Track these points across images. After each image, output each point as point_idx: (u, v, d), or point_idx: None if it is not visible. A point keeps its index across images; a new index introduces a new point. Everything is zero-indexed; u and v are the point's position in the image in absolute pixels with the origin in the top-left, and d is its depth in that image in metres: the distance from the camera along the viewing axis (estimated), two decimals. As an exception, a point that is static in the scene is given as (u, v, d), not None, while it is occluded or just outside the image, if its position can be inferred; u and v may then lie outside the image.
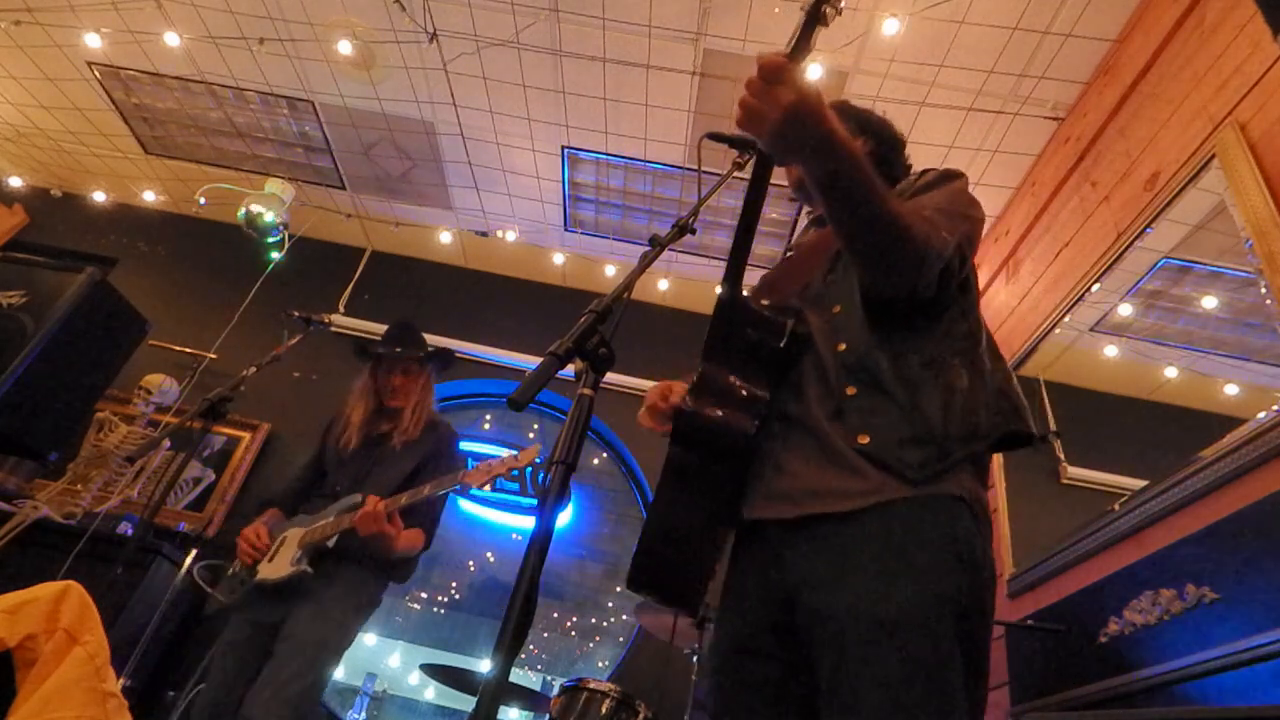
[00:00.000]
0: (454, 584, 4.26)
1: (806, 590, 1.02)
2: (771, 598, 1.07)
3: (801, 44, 0.98)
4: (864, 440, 1.03)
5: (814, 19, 0.98)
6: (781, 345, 1.14)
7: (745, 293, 1.24)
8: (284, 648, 2.12)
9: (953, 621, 0.94)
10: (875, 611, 0.94)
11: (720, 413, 1.11)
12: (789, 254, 1.47)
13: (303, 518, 2.37)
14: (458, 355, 4.41)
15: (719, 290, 1.16)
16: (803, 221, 3.40)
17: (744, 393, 1.12)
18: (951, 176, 1.26)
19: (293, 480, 2.57)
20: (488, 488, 2.39)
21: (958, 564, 0.98)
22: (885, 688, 0.90)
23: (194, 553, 3.25)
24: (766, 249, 4.17)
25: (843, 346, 1.12)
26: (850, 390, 1.08)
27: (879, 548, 0.98)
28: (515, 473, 4.24)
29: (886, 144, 1.43)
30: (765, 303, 1.21)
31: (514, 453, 2.28)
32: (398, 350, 2.55)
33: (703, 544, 1.12)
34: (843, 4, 0.98)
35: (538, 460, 2.32)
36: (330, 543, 2.23)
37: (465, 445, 4.57)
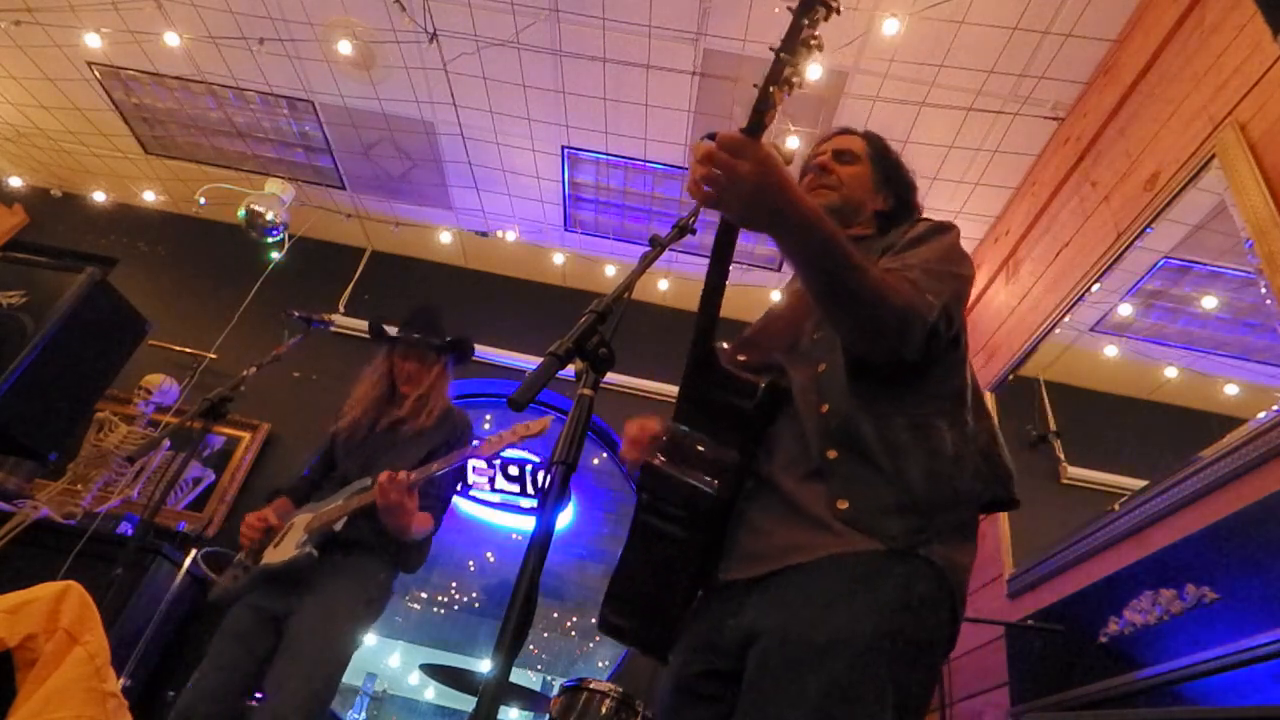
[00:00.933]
0: (454, 584, 4.26)
1: (758, 627, 1.01)
2: (724, 644, 1.06)
3: (758, 115, 0.96)
4: (843, 506, 1.02)
5: (764, 101, 0.96)
6: (752, 408, 1.13)
7: (726, 346, 1.24)
8: (289, 653, 2.05)
9: (887, 654, 0.92)
10: (806, 635, 0.94)
11: (683, 473, 1.10)
12: (772, 310, 1.43)
13: (311, 505, 2.32)
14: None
15: (689, 355, 1.15)
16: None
17: (710, 455, 1.12)
18: (942, 230, 1.24)
19: (303, 471, 2.54)
20: (470, 476, 2.34)
21: (904, 609, 0.96)
22: (801, 709, 0.89)
23: (194, 553, 3.25)
24: (767, 249, 4.17)
25: (826, 408, 1.10)
26: (831, 454, 1.06)
27: (831, 581, 0.98)
28: (527, 465, 4.24)
29: (901, 203, 1.41)
30: (742, 358, 1.20)
31: (529, 422, 2.18)
32: (415, 336, 2.50)
33: (671, 597, 1.13)
34: (797, 83, 0.97)
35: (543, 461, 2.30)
36: (338, 526, 2.16)
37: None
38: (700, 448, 1.13)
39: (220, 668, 2.06)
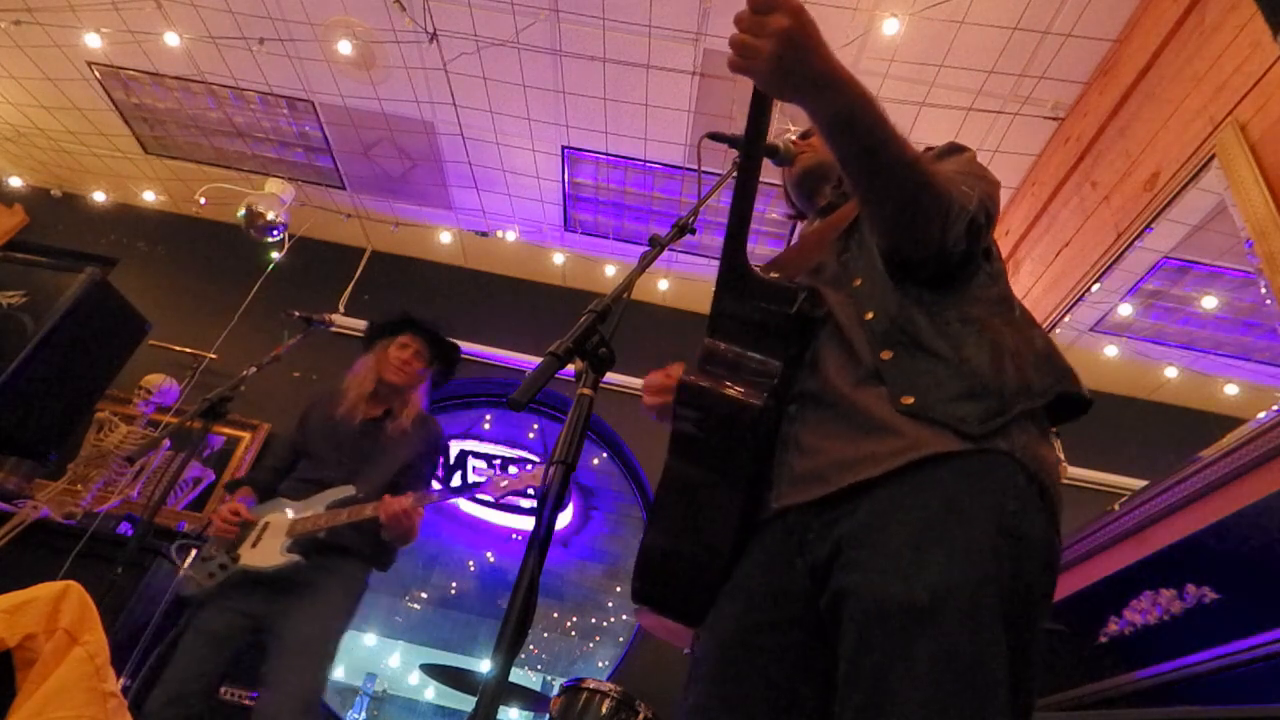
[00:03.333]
0: (454, 584, 4.26)
1: (832, 572, 0.88)
2: (793, 589, 0.93)
3: None
4: (908, 401, 0.91)
5: None
6: (793, 312, 1.03)
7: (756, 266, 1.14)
8: (285, 650, 2.10)
9: (997, 606, 0.80)
10: (906, 596, 0.80)
11: (728, 383, 1.00)
12: (789, 249, 1.45)
13: (283, 502, 2.33)
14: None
15: (720, 263, 1.06)
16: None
17: (754, 363, 1.01)
18: (959, 149, 1.20)
19: (268, 463, 2.54)
20: (471, 477, 2.41)
21: (1003, 539, 0.83)
22: (914, 685, 0.76)
23: (194, 553, 3.25)
24: (766, 249, 4.17)
25: (870, 315, 1.00)
26: (886, 354, 0.96)
27: (912, 518, 0.85)
28: (527, 465, 4.24)
29: None
30: (774, 275, 1.11)
31: (541, 469, 2.26)
32: (423, 331, 2.58)
33: (712, 547, 0.99)
34: None
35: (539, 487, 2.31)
36: (322, 533, 2.21)
37: (465, 445, 4.57)
38: (741, 358, 1.02)
39: (192, 669, 2.09)
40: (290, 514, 2.28)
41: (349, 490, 2.28)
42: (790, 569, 0.94)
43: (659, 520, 1.03)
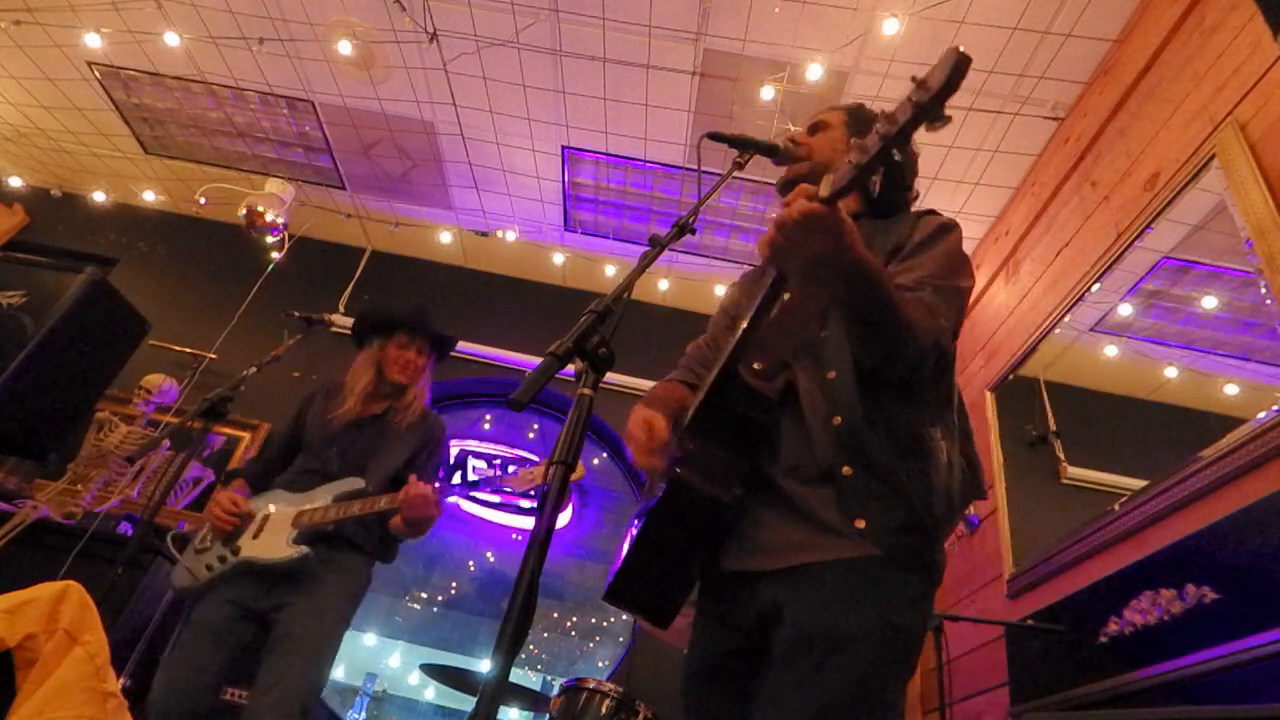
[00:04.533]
0: (454, 584, 4.26)
1: (776, 615, 1.11)
2: (745, 623, 1.18)
3: (848, 188, 0.94)
4: (861, 525, 1.09)
5: (868, 170, 0.91)
6: (765, 417, 1.20)
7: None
8: (287, 647, 2.07)
9: (899, 645, 1.05)
10: (830, 627, 1.04)
11: (706, 485, 1.18)
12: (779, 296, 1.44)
13: (282, 494, 2.30)
14: (459, 356, 4.43)
15: (719, 370, 1.17)
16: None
17: (727, 464, 1.19)
18: (947, 230, 1.28)
19: (264, 454, 2.52)
20: (471, 476, 2.38)
21: (907, 605, 1.08)
22: (830, 693, 1.00)
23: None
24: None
25: (838, 420, 1.15)
26: (846, 470, 1.12)
27: (844, 584, 1.07)
28: (527, 465, 4.24)
29: (901, 181, 1.44)
30: (757, 366, 1.22)
31: (529, 468, 2.21)
32: (423, 327, 2.57)
33: (677, 578, 1.22)
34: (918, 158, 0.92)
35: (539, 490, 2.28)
36: (330, 526, 2.18)
37: (465, 445, 4.57)
38: (718, 458, 1.19)
39: (193, 663, 2.05)
40: (293, 506, 2.24)
41: (358, 483, 2.25)
42: (741, 613, 1.19)
43: (643, 544, 1.20)
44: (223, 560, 2.19)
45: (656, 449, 1.22)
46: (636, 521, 1.25)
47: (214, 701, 2.10)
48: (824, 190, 0.95)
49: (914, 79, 0.83)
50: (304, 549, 2.14)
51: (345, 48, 3.44)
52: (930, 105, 0.81)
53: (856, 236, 1.00)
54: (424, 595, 4.22)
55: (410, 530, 2.26)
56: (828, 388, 1.18)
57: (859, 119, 1.46)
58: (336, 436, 2.40)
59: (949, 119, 0.83)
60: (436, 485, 2.18)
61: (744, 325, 1.12)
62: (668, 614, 1.22)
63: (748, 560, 1.17)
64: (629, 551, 1.21)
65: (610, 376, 3.00)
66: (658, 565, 1.21)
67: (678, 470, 1.17)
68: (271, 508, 2.26)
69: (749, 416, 1.19)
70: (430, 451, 2.47)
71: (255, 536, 2.21)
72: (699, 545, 1.21)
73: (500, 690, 0.72)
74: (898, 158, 0.89)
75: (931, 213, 1.35)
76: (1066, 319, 2.74)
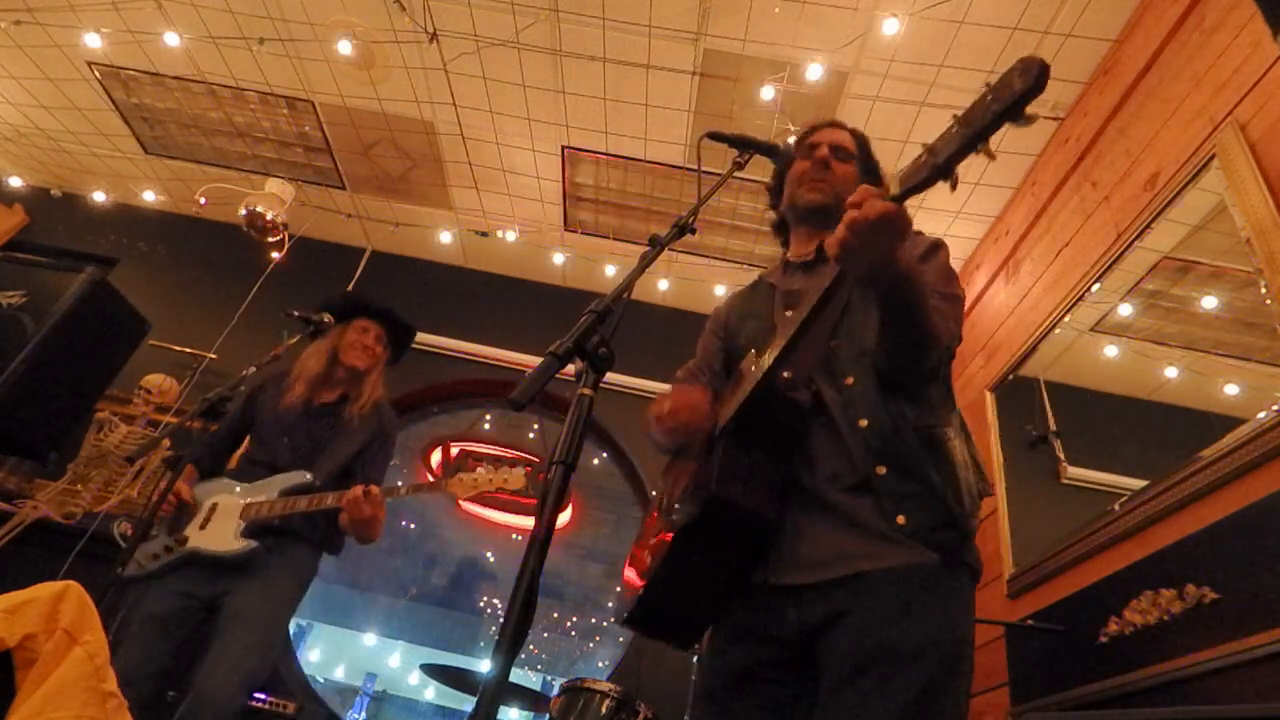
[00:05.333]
0: (454, 584, 4.26)
1: (835, 619, 1.09)
2: (786, 635, 1.15)
3: (920, 188, 0.94)
4: (902, 521, 1.11)
5: (943, 172, 0.90)
6: (799, 425, 1.19)
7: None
8: (235, 625, 2.07)
9: (959, 654, 1.06)
10: (892, 640, 1.03)
11: (747, 499, 1.15)
12: (786, 310, 1.41)
13: (230, 483, 2.30)
14: (459, 356, 4.43)
15: (763, 376, 1.16)
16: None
17: (767, 477, 1.17)
18: (939, 246, 1.33)
19: (210, 440, 2.50)
20: (473, 504, 2.37)
21: (964, 613, 1.11)
22: (897, 704, 0.99)
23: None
24: (765, 249, 4.17)
25: (864, 423, 1.17)
26: (880, 470, 1.14)
27: (900, 594, 1.07)
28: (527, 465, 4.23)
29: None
30: (786, 375, 1.21)
31: (507, 472, 2.23)
32: (383, 313, 2.57)
33: (712, 597, 1.18)
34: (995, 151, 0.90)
35: (522, 487, 2.28)
36: (276, 520, 2.20)
37: (466, 445, 4.56)
38: (759, 469, 1.17)
39: (142, 653, 2.04)
40: (241, 497, 2.24)
41: (304, 476, 2.25)
42: (784, 620, 1.16)
43: (672, 567, 1.17)
44: (169, 550, 2.20)
45: (700, 409, 1.24)
46: (654, 544, 1.24)
47: (160, 689, 2.10)
48: (894, 188, 0.95)
49: (987, 84, 0.84)
50: (252, 543, 2.16)
51: (345, 48, 3.44)
52: (1015, 104, 0.81)
53: (907, 251, 1.04)
54: (424, 595, 4.22)
55: (356, 530, 2.20)
56: (848, 394, 1.21)
57: (866, 159, 1.50)
58: (289, 426, 2.39)
59: (1034, 119, 0.84)
60: (373, 490, 2.15)
61: (793, 330, 1.11)
62: (693, 638, 1.20)
63: (796, 574, 1.15)
64: (654, 576, 1.18)
65: (610, 376, 2.99)
66: (687, 588, 1.18)
67: (714, 487, 1.14)
68: (219, 498, 2.26)
69: (787, 426, 1.18)
70: (379, 446, 2.46)
71: (202, 527, 2.21)
72: (734, 564, 1.17)
73: (500, 690, 0.72)
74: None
75: (918, 233, 1.37)
76: (1066, 319, 2.74)
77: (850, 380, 1.21)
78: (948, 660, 1.04)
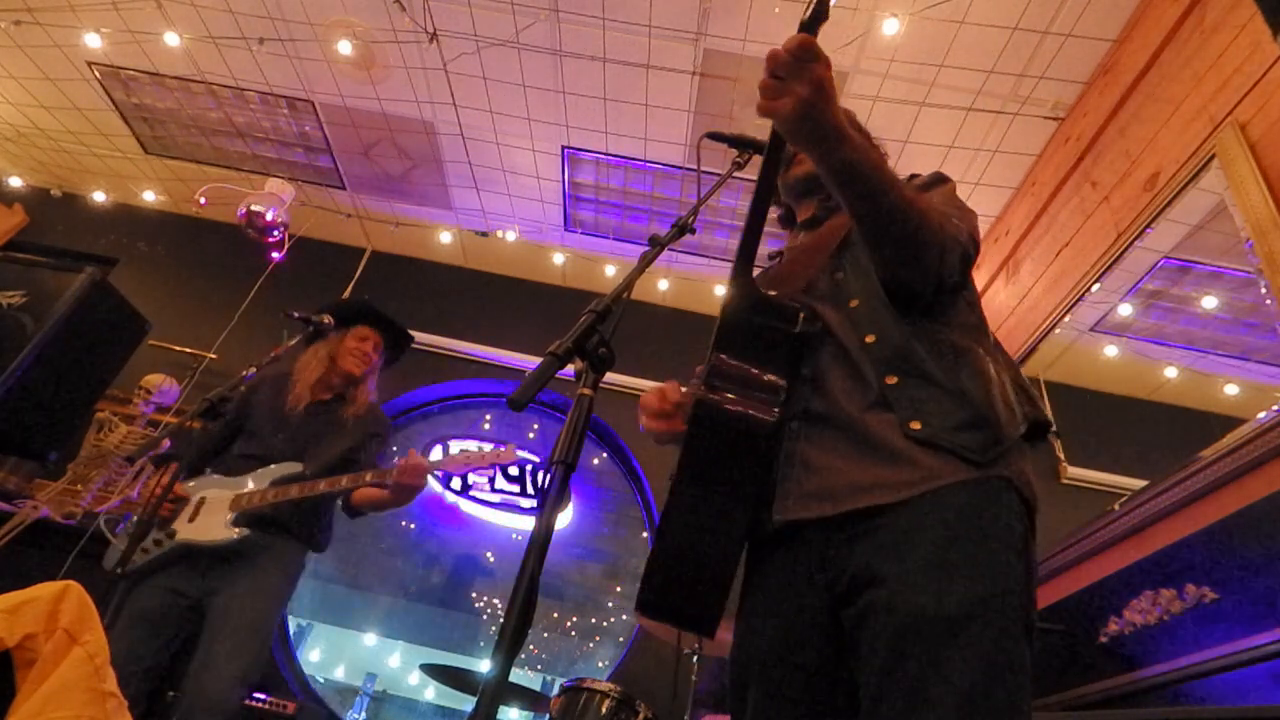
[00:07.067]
0: (454, 584, 4.26)
1: (860, 588, 0.95)
2: (817, 602, 1.00)
3: (816, 19, 0.95)
4: (916, 427, 0.98)
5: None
6: (796, 331, 1.08)
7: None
8: (227, 625, 2.08)
9: (1018, 616, 0.89)
10: (936, 609, 0.87)
11: (741, 401, 1.02)
12: (778, 258, 1.42)
13: (217, 478, 2.32)
14: (459, 356, 4.44)
15: (729, 281, 1.11)
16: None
17: (763, 380, 1.04)
18: (941, 180, 1.27)
19: (199, 439, 2.51)
20: (470, 477, 2.45)
21: (1015, 557, 0.93)
22: (950, 689, 0.82)
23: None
24: (765, 248, 4.16)
25: (872, 338, 1.07)
26: (891, 379, 1.03)
27: (934, 538, 0.92)
28: (494, 471, 4.24)
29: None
30: (773, 293, 1.16)
31: (497, 448, 2.31)
32: (384, 323, 2.64)
33: (721, 557, 1.01)
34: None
35: (516, 463, 2.37)
36: (268, 509, 2.21)
37: (465, 444, 4.56)
38: (749, 375, 1.04)
39: (130, 652, 2.03)
40: (229, 490, 2.26)
41: (295, 467, 2.28)
42: (811, 585, 1.02)
43: (668, 533, 1.02)
44: (158, 544, 2.19)
45: (668, 411, 1.17)
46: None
47: (148, 687, 2.11)
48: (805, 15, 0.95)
49: None
50: (244, 530, 2.16)
51: (345, 48, 3.44)
52: None
53: (838, 105, 0.98)
54: (424, 595, 4.22)
55: (396, 497, 2.29)
56: (854, 314, 1.12)
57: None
58: (280, 423, 2.42)
59: None
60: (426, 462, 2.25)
61: (750, 214, 1.07)
62: (712, 613, 1.01)
63: (804, 508, 1.01)
64: (656, 542, 1.04)
65: (610, 376, 2.99)
66: (695, 551, 1.01)
67: (705, 393, 1.02)
68: (208, 492, 2.28)
69: (777, 331, 1.08)
70: (378, 444, 2.53)
71: (191, 520, 2.22)
72: (739, 502, 1.01)
73: (500, 690, 0.72)
74: None
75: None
76: (1066, 319, 2.74)
77: (855, 303, 1.13)
78: (1006, 618, 0.87)
